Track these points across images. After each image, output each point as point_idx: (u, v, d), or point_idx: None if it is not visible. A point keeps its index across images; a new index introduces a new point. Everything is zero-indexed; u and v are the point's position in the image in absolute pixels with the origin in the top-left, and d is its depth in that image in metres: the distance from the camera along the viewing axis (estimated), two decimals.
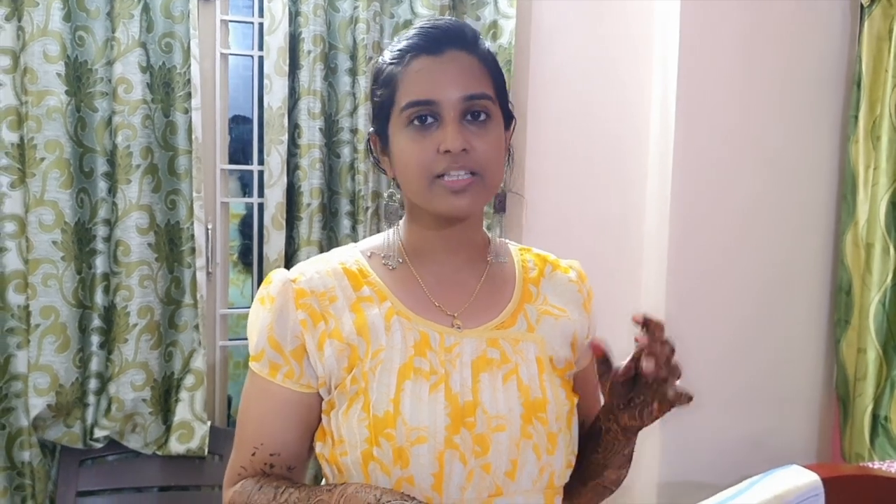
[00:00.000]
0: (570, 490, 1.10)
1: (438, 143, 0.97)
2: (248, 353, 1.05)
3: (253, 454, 1.02)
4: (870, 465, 2.01)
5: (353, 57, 2.31)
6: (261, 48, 2.31)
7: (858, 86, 2.61)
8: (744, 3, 2.54)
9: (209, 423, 2.24)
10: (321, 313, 1.00)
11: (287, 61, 2.23)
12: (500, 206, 1.14)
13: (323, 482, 1.05)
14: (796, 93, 2.67)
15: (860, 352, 2.59)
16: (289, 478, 1.03)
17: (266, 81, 2.25)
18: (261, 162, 2.36)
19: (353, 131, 2.34)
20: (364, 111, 2.30)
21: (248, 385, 1.05)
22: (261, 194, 2.37)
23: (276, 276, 1.04)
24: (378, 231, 1.11)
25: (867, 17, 2.58)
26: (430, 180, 0.98)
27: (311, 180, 2.29)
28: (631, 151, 2.66)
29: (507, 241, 1.17)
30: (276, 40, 2.22)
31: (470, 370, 1.00)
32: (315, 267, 1.04)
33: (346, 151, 2.34)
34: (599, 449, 1.06)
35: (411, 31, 1.04)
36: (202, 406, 2.22)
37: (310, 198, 2.29)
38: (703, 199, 2.56)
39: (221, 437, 2.25)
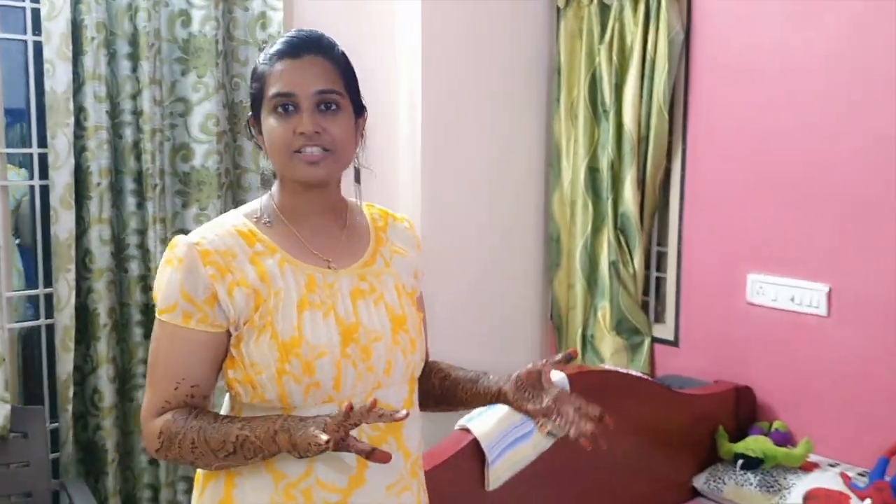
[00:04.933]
0: (424, 406, 1.44)
1: (296, 126, 1.25)
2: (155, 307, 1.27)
3: (176, 388, 1.24)
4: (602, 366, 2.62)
5: (134, 43, 2.43)
6: (36, 33, 2.34)
7: (559, 74, 3.23)
8: (467, 11, 3.04)
9: (9, 404, 2.28)
10: (227, 267, 1.24)
11: (70, 46, 2.30)
12: (357, 178, 1.45)
13: (227, 400, 1.32)
14: (511, 81, 3.25)
15: (570, 287, 3.26)
16: (205, 407, 1.27)
17: (47, 66, 2.29)
18: (41, 145, 2.40)
19: (137, 113, 2.47)
20: (148, 94, 2.44)
21: (159, 334, 1.26)
22: (43, 176, 2.41)
23: (181, 241, 1.26)
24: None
25: (563, 17, 3.21)
26: (289, 155, 1.24)
27: (99, 161, 2.39)
28: (381, 137, 3.05)
29: (356, 200, 1.45)
30: (58, 26, 2.27)
31: (350, 299, 1.28)
32: (213, 231, 1.28)
33: (129, 132, 2.47)
34: (467, 394, 1.41)
35: (280, 40, 1.31)
36: (3, 386, 2.26)
37: (99, 177, 2.39)
38: (446, 172, 3.03)
39: (20, 416, 2.31)
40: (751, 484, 2.45)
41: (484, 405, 1.44)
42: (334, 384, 1.23)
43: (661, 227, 3.08)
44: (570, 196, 3.24)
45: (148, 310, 2.53)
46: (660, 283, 3.11)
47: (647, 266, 3.08)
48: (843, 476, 2.35)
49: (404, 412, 1.14)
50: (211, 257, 1.23)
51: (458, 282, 3.11)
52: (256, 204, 1.36)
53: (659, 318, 3.11)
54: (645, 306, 3.10)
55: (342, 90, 1.29)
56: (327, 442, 1.08)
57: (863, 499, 2.21)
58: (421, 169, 2.98)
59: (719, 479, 2.54)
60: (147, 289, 2.52)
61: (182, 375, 1.25)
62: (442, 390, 1.44)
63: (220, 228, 1.29)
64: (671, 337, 3.03)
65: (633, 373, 2.67)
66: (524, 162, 3.36)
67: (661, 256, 3.10)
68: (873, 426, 2.45)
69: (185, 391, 1.25)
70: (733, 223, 2.80)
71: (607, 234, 3.07)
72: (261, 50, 2.70)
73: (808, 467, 2.46)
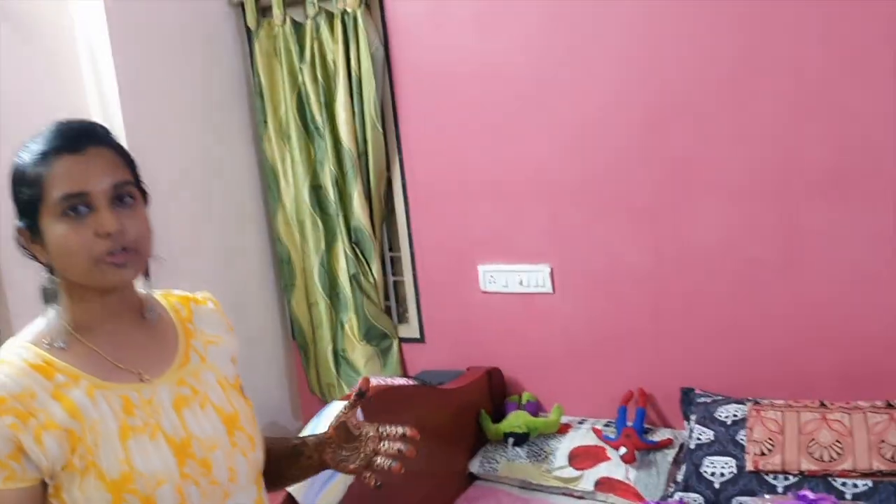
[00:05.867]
0: None
1: (96, 227, 1.10)
2: None
3: None
4: (380, 380, 2.66)
5: None
6: None
7: (261, 95, 3.18)
8: (158, 40, 2.88)
9: None
10: (28, 412, 1.07)
11: None
12: (146, 272, 1.32)
13: None
14: (214, 105, 3.14)
15: (312, 306, 3.26)
16: None
17: None
18: None
19: None
20: None
21: None
22: None
23: None
24: None
25: (256, 38, 3.15)
26: (94, 261, 1.10)
27: None
28: None
29: (150, 291, 1.31)
30: None
31: (174, 412, 1.17)
32: (2, 373, 1.09)
33: None
34: (295, 469, 1.35)
35: (48, 133, 1.14)
36: None
37: None
38: (160, 207, 2.81)
39: None
40: (521, 457, 2.70)
41: (313, 475, 1.41)
42: None
43: (391, 233, 3.20)
44: (297, 216, 3.22)
45: None
46: (398, 286, 3.24)
47: (383, 272, 3.18)
48: (595, 431, 2.68)
49: None
50: (6, 405, 1.06)
51: None
52: (41, 325, 1.18)
53: (402, 319, 3.24)
54: (388, 310, 3.21)
55: (133, 180, 1.18)
56: None
57: (617, 448, 2.54)
58: None
59: (492, 459, 2.75)
60: None
61: None
62: (266, 474, 1.34)
63: (10, 367, 1.10)
64: (417, 335, 3.18)
65: (399, 381, 2.77)
66: (239, 186, 3.27)
67: (396, 261, 3.22)
68: (605, 381, 2.82)
69: None
70: (458, 221, 3.00)
71: (342, 248, 3.11)
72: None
73: (563, 429, 2.76)
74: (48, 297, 1.19)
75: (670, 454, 2.55)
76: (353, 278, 3.10)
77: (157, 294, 1.32)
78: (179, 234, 2.92)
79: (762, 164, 2.48)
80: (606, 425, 2.72)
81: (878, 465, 2.16)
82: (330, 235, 3.17)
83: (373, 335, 3.15)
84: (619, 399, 2.73)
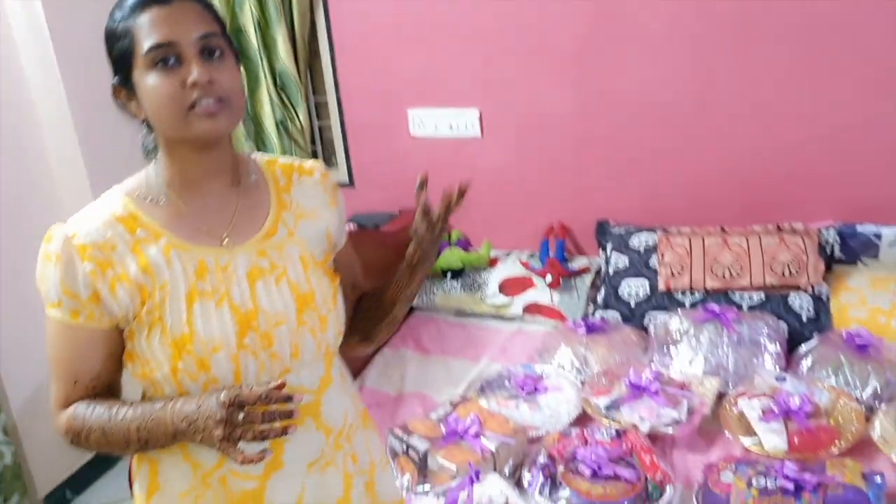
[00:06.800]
0: (368, 332, 1.39)
1: (185, 78, 1.10)
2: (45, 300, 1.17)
3: (76, 383, 1.18)
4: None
5: None
6: None
7: None
8: None
9: None
10: (107, 262, 1.13)
11: None
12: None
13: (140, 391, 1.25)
14: None
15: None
16: (114, 395, 1.22)
17: None
18: None
19: None
20: None
21: (51, 329, 1.18)
22: None
23: (56, 234, 1.14)
24: None
25: None
26: (184, 112, 1.10)
27: None
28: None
29: (254, 155, 1.30)
30: None
31: (246, 282, 1.19)
32: (91, 222, 1.15)
33: None
34: (391, 285, 1.35)
35: None
36: None
37: None
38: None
39: None
40: (455, 289, 2.94)
41: (404, 279, 1.37)
42: (234, 378, 1.17)
43: (315, 78, 3.20)
44: None
45: None
46: (323, 130, 3.28)
47: (309, 117, 3.20)
48: (523, 264, 2.94)
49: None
50: (88, 252, 1.13)
51: None
52: (140, 178, 1.22)
53: (330, 163, 3.32)
54: (315, 155, 3.27)
55: (221, 34, 1.17)
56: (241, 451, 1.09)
57: (543, 276, 2.82)
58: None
59: (430, 291, 2.98)
60: None
61: (80, 371, 1.19)
62: (367, 305, 1.39)
63: (98, 217, 1.17)
64: (345, 179, 3.28)
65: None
66: None
67: (321, 106, 3.24)
68: (528, 217, 3.06)
69: (86, 385, 1.20)
70: (385, 65, 3.05)
71: (267, 93, 3.10)
72: None
73: (493, 262, 3.01)
74: (147, 152, 1.23)
75: (588, 279, 2.87)
76: (281, 124, 3.12)
77: (263, 160, 1.31)
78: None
79: (680, 14, 2.66)
80: (531, 256, 2.99)
81: (770, 279, 2.55)
82: (252, 80, 3.13)
83: None
84: (542, 233, 2.99)
